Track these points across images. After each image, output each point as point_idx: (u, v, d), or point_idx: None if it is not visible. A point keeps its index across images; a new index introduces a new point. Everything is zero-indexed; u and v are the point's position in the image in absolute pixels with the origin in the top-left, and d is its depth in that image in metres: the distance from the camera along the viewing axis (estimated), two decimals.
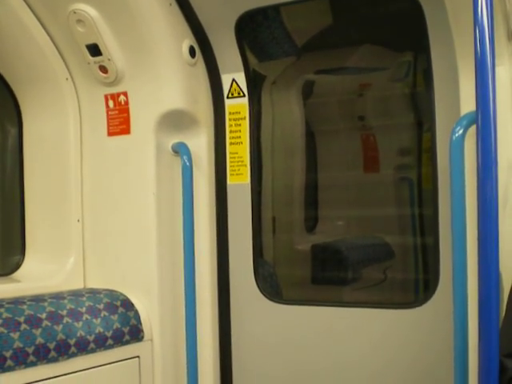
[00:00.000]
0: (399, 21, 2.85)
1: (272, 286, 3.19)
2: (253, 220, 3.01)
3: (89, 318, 2.67)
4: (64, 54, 2.96)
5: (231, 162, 3.05)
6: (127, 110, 2.93)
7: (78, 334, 2.59)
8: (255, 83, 3.10)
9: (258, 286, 3.01)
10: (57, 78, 2.98)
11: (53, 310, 2.58)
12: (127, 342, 2.78)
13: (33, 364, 2.41)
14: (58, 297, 2.69)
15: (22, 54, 2.93)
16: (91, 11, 2.76)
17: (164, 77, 2.87)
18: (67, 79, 3.00)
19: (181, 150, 2.93)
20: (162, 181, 2.92)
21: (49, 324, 2.51)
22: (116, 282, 2.94)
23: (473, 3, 1.76)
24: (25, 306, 2.51)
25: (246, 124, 3.03)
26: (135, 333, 2.81)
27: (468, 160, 2.21)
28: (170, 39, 2.86)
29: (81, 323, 2.62)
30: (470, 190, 2.22)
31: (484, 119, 1.67)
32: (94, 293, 2.83)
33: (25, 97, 3.07)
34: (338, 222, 3.67)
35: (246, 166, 3.03)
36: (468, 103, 2.27)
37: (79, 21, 2.78)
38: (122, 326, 2.76)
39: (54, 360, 2.49)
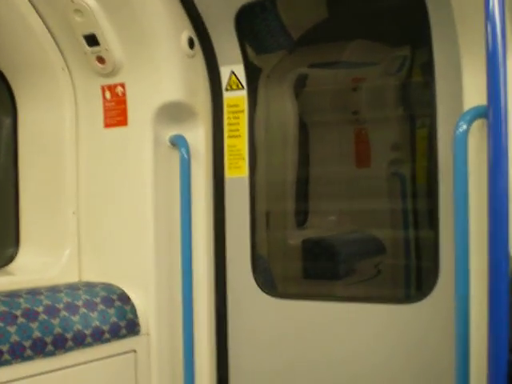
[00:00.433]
0: (400, 14, 2.84)
1: (269, 280, 3.18)
2: (251, 213, 2.99)
3: (85, 311, 2.64)
4: (60, 44, 2.91)
5: (229, 155, 3.03)
6: (124, 102, 2.90)
7: (75, 328, 2.56)
8: (254, 76, 3.08)
9: (256, 280, 2.99)
10: (53, 68, 2.93)
11: (49, 303, 2.54)
12: (124, 336, 2.75)
13: (30, 358, 2.38)
14: (54, 290, 2.66)
15: (17, 42, 2.87)
16: (89, 1, 2.72)
17: (162, 68, 2.84)
18: (63, 69, 2.95)
19: (179, 142, 2.91)
20: (159, 173, 2.89)
21: (45, 318, 2.48)
22: (112, 276, 2.91)
23: None
24: (21, 300, 2.48)
25: (244, 117, 3.01)
26: (132, 327, 2.78)
27: (471, 155, 2.21)
28: (169, 30, 2.83)
29: (77, 317, 2.59)
30: (474, 184, 2.22)
31: (495, 113, 1.67)
32: (90, 286, 2.80)
33: (20, 86, 3.02)
34: (333, 217, 3.67)
35: (244, 159, 3.01)
36: (472, 98, 2.27)
37: (77, 10, 2.74)
38: (118, 319, 2.74)
39: (51, 354, 2.46)
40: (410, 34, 2.94)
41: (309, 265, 3.57)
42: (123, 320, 2.75)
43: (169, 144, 2.93)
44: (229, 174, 3.03)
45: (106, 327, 2.67)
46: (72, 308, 2.60)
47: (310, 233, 3.62)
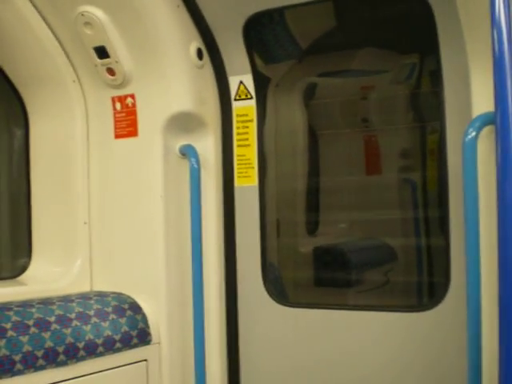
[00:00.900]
0: (407, 22, 2.85)
1: (279, 289, 3.18)
2: (261, 222, 3.00)
3: (97, 321, 2.65)
4: (71, 56, 2.95)
5: (239, 164, 3.04)
6: (134, 113, 2.92)
7: (87, 338, 2.57)
8: (262, 85, 3.09)
9: (266, 289, 2.99)
10: (64, 80, 2.96)
11: (61, 313, 2.56)
12: (135, 346, 2.76)
13: (42, 368, 2.39)
14: (66, 300, 2.68)
15: (28, 56, 2.92)
16: (99, 13, 2.75)
17: (172, 79, 2.87)
18: (74, 81, 2.99)
19: (188, 152, 2.92)
20: (169, 183, 2.91)
21: (58, 327, 2.49)
22: (123, 285, 2.93)
23: (490, 3, 1.76)
24: (34, 309, 2.50)
25: (253, 126, 3.02)
26: (143, 336, 2.79)
27: (481, 161, 2.21)
28: (178, 41, 2.85)
29: (89, 326, 2.61)
30: (484, 191, 2.21)
31: (503, 119, 1.67)
32: (101, 296, 2.82)
33: (31, 99, 3.06)
34: (344, 224, 3.66)
35: (253, 168, 3.02)
36: (480, 104, 2.27)
37: (87, 23, 2.77)
38: (130, 329, 2.75)
39: (63, 364, 2.47)
40: (417, 42, 2.95)
41: (320, 273, 3.57)
42: (134, 329, 2.76)
43: (179, 154, 2.95)
44: (238, 183, 3.04)
45: (117, 337, 2.68)
46: (84, 317, 2.62)
47: (320, 241, 3.62)
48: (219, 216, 3.04)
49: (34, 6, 2.79)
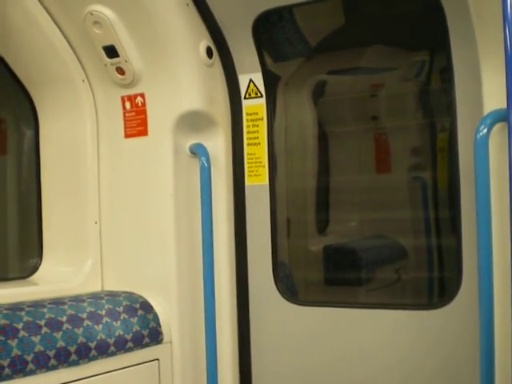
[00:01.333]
0: (418, 19, 2.83)
1: (290, 287, 3.17)
2: (271, 221, 2.99)
3: (109, 320, 2.66)
4: (80, 56, 2.96)
5: (249, 162, 3.03)
6: (144, 112, 2.92)
7: (99, 337, 2.58)
8: (272, 83, 3.08)
9: (277, 287, 2.99)
10: (73, 80, 2.97)
11: (73, 313, 2.57)
12: (147, 345, 2.76)
13: (54, 367, 2.40)
14: (77, 300, 2.68)
15: (38, 55, 2.92)
16: (108, 12, 2.75)
17: (181, 78, 2.86)
18: (83, 81, 2.99)
19: (198, 151, 2.92)
20: (179, 182, 2.91)
21: (69, 327, 2.50)
22: (134, 285, 2.93)
23: (501, 0, 1.74)
24: (45, 309, 2.50)
25: (263, 124, 3.02)
26: (155, 335, 2.80)
27: (493, 159, 2.19)
28: (187, 40, 2.85)
29: (101, 326, 2.61)
30: (495, 189, 2.20)
31: None
32: (113, 295, 2.82)
33: (41, 99, 3.06)
34: (354, 223, 3.65)
35: (264, 166, 3.01)
36: (492, 101, 2.25)
37: (96, 22, 2.78)
38: (141, 328, 2.75)
39: (75, 363, 2.47)
40: (428, 39, 2.93)
41: (330, 271, 3.56)
42: (146, 329, 2.77)
43: (189, 153, 2.95)
44: (249, 181, 3.04)
45: (129, 336, 2.69)
46: (95, 317, 2.62)
47: (331, 239, 3.61)
48: (230, 215, 3.04)
49: (43, 5, 2.80)
